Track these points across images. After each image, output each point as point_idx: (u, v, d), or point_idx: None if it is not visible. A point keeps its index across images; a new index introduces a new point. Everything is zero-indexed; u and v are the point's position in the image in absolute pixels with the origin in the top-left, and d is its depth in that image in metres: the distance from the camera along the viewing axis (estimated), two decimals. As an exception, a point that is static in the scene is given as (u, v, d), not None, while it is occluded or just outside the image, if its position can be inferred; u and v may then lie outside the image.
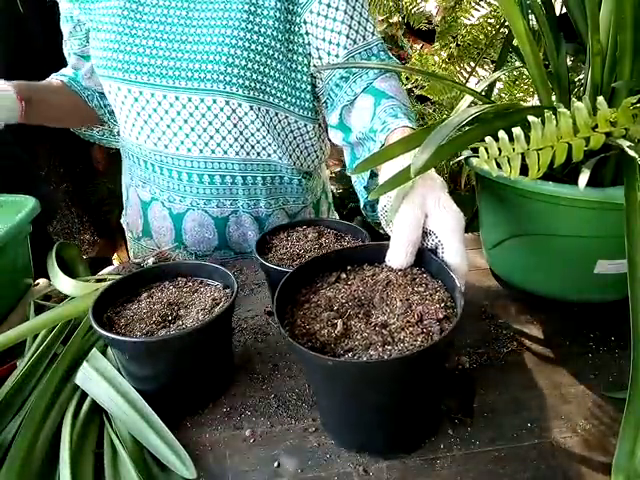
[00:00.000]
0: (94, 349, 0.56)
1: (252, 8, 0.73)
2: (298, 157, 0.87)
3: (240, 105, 0.76)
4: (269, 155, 0.82)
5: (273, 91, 0.77)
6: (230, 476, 0.46)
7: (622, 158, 0.49)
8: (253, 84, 0.75)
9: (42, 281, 0.75)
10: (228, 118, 0.77)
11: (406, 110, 0.68)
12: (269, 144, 0.81)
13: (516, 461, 0.45)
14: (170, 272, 0.59)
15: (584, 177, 0.45)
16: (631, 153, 0.44)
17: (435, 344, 0.40)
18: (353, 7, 0.75)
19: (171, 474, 0.45)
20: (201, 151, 0.79)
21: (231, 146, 0.79)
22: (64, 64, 0.96)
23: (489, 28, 1.65)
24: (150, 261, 0.76)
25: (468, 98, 0.65)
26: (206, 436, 0.50)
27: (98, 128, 1.01)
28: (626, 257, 0.44)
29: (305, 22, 0.75)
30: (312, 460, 0.46)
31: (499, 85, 1.62)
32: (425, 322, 0.43)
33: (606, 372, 0.54)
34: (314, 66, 0.78)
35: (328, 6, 0.74)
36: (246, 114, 0.77)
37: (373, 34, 0.78)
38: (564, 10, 0.60)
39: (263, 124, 0.78)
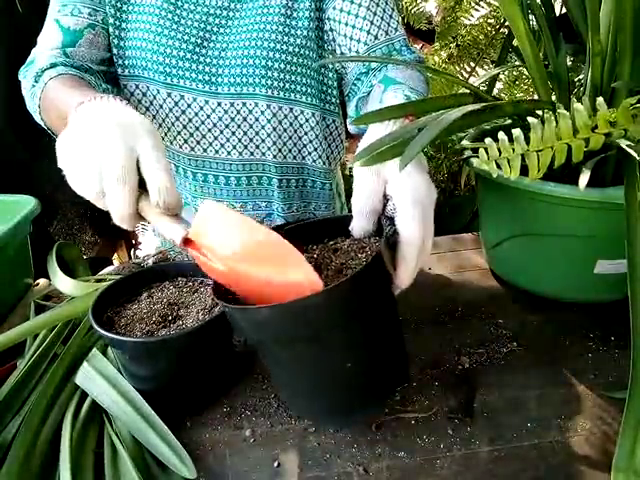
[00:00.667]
0: (94, 349, 0.56)
1: (288, 12, 0.74)
2: (328, 157, 0.87)
3: (280, 108, 0.76)
4: (303, 158, 0.83)
5: (309, 90, 0.78)
6: (230, 476, 0.46)
7: (622, 158, 0.49)
8: (293, 86, 0.75)
9: (42, 281, 0.75)
10: (268, 121, 0.77)
11: (410, 91, 0.66)
12: (304, 145, 0.82)
13: (516, 461, 0.45)
14: (170, 272, 0.59)
15: (584, 177, 0.45)
16: (631, 153, 0.44)
17: (311, 296, 0.39)
18: (377, 3, 0.75)
19: (171, 474, 0.45)
20: (240, 154, 0.79)
21: (269, 149, 0.79)
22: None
23: (489, 28, 1.65)
24: (150, 261, 0.76)
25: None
26: (206, 436, 0.50)
27: None
28: (626, 257, 0.44)
29: (329, 19, 0.76)
30: (312, 460, 0.46)
31: (499, 85, 1.63)
32: None
33: (606, 372, 0.54)
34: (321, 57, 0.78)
35: (351, 2, 0.74)
36: (285, 116, 0.77)
37: (396, 30, 0.77)
38: (564, 10, 0.61)
39: (301, 125, 0.79)
